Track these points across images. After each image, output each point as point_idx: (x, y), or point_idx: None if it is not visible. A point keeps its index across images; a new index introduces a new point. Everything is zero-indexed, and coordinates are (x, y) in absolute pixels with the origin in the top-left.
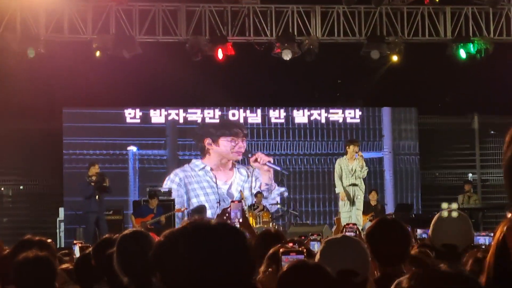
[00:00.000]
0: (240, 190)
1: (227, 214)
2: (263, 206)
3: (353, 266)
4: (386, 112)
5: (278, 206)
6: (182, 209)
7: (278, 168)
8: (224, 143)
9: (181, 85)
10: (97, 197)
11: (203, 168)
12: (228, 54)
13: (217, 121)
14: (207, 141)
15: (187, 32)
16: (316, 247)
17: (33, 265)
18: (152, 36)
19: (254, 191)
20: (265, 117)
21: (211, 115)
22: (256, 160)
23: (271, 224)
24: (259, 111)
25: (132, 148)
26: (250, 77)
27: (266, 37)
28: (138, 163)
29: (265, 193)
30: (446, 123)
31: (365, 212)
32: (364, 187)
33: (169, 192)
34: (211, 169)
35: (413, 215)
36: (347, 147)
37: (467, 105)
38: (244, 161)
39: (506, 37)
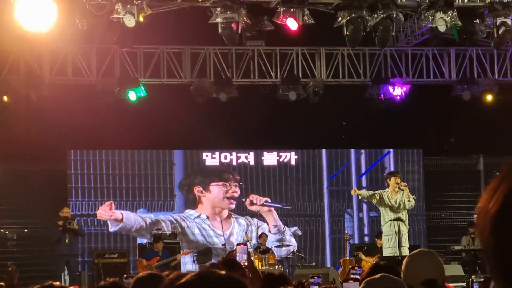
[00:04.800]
0: (246, 232)
1: (232, 257)
2: (268, 248)
3: None
4: (391, 153)
5: (301, 254)
6: (189, 252)
7: (279, 205)
8: (216, 189)
9: (184, 127)
10: (66, 240)
11: (199, 216)
12: None
13: (215, 163)
14: (197, 189)
15: (192, 75)
16: None
17: None
18: (157, 78)
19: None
20: (271, 160)
21: (213, 157)
22: (252, 203)
23: (276, 266)
24: (265, 153)
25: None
26: (254, 119)
27: (271, 79)
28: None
29: (277, 236)
30: (451, 164)
31: (371, 254)
32: (408, 222)
33: (174, 235)
34: (208, 218)
35: None
36: (388, 180)
37: (472, 146)
38: (239, 209)
39: (511, 78)
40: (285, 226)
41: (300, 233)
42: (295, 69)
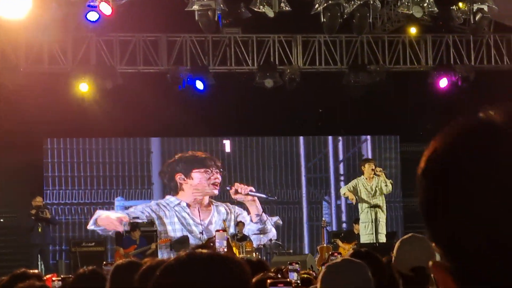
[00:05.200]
0: (223, 220)
1: (211, 244)
2: (246, 236)
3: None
4: (368, 140)
5: (278, 242)
6: (167, 240)
7: (263, 196)
8: (198, 176)
9: (162, 115)
10: (39, 229)
11: (179, 204)
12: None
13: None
14: (179, 176)
15: (168, 62)
16: (294, 276)
17: None
18: (133, 66)
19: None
20: (244, 146)
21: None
22: (237, 192)
23: (254, 253)
24: (238, 140)
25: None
26: (231, 107)
27: (248, 66)
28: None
29: (258, 225)
30: None
31: (348, 241)
32: (385, 208)
33: (151, 223)
34: (188, 205)
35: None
36: (362, 167)
37: None
38: (223, 197)
39: (487, 64)
40: (267, 216)
41: (281, 223)
42: (271, 57)
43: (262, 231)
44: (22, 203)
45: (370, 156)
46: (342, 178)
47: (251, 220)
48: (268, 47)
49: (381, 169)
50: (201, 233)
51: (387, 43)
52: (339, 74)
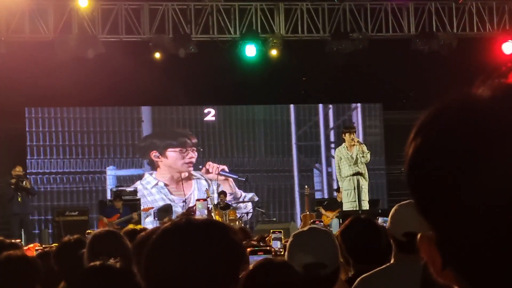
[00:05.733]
0: (206, 189)
1: (192, 213)
2: (228, 204)
3: (320, 258)
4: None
5: (261, 210)
6: (149, 208)
7: (234, 176)
8: (173, 155)
9: (143, 84)
10: (19, 199)
11: (156, 184)
12: None
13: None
14: (154, 153)
15: (151, 31)
16: (278, 244)
17: (17, 264)
18: (115, 35)
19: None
20: (226, 115)
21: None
22: (208, 171)
23: (237, 222)
24: (223, 108)
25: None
26: (213, 75)
27: (230, 35)
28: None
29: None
30: (411, 118)
31: (331, 209)
32: (367, 175)
33: (134, 192)
34: (165, 185)
35: (380, 210)
36: (343, 135)
37: (431, 100)
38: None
39: (470, 32)
40: (241, 192)
41: (256, 199)
42: (254, 25)
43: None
44: (4, 173)
45: (359, 124)
46: (332, 146)
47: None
48: (251, 15)
49: (359, 140)
50: (184, 201)
51: (370, 10)
52: (322, 42)
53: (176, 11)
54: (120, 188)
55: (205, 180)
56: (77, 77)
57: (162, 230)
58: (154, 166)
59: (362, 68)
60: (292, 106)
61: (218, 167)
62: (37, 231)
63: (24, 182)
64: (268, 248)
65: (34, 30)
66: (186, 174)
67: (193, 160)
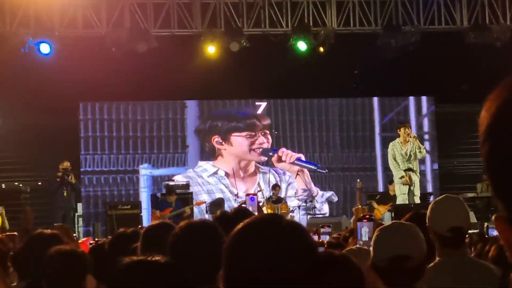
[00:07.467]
0: (258, 182)
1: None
2: (281, 198)
3: (406, 251)
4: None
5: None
6: (202, 202)
7: (313, 166)
8: (239, 140)
9: (197, 78)
10: (64, 193)
11: (215, 173)
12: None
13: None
14: (216, 139)
15: (203, 25)
16: (327, 239)
17: (65, 259)
18: (167, 29)
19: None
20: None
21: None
22: (281, 160)
23: (289, 215)
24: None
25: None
26: (265, 69)
27: (282, 28)
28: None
29: (303, 202)
30: (464, 112)
31: (384, 202)
32: (419, 172)
33: (186, 186)
34: (227, 175)
35: None
36: (398, 130)
37: (484, 93)
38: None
39: None
40: (318, 190)
41: (336, 199)
42: (305, 18)
43: (311, 211)
44: (57, 169)
45: (411, 118)
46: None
47: (296, 196)
48: (302, 9)
49: (415, 135)
50: (236, 195)
51: (422, 3)
52: (374, 35)
53: (228, 5)
54: (171, 183)
55: (274, 176)
56: (129, 71)
57: (247, 224)
58: (213, 155)
59: (414, 61)
60: (375, 98)
61: (293, 155)
62: (84, 228)
63: (70, 177)
64: (320, 241)
65: (87, 25)
66: (253, 167)
67: (265, 146)
